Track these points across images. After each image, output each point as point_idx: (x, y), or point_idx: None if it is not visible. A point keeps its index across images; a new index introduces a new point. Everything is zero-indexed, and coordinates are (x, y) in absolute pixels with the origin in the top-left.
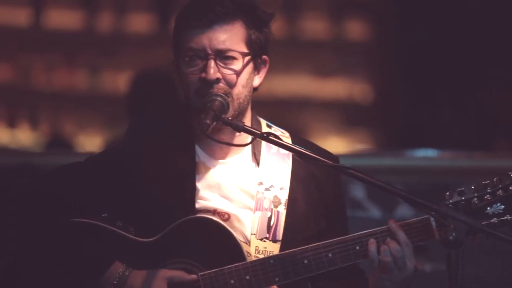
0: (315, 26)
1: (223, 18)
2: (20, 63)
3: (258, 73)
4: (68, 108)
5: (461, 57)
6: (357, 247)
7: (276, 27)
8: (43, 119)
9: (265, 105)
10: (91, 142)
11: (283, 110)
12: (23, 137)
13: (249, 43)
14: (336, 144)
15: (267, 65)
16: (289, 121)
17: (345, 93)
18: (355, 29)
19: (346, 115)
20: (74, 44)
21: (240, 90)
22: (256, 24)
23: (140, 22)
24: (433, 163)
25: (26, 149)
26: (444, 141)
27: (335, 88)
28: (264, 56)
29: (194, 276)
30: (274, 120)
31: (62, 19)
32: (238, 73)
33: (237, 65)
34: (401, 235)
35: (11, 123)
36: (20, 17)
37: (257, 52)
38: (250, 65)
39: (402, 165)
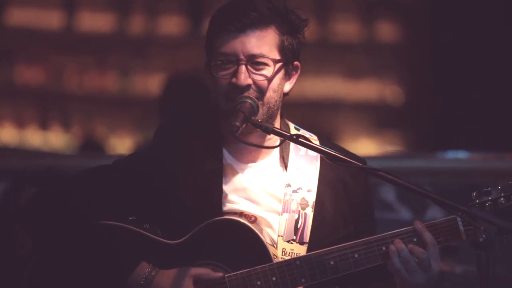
0: (346, 28)
1: (256, 23)
2: (52, 66)
3: (289, 79)
4: (99, 110)
5: (492, 58)
6: (383, 248)
7: (308, 29)
8: (75, 121)
9: (297, 107)
10: (122, 144)
11: (314, 112)
12: (55, 139)
13: (281, 49)
14: (366, 146)
15: (299, 71)
16: (320, 123)
17: (376, 95)
18: (386, 31)
19: (377, 117)
20: (106, 46)
21: (271, 95)
22: (289, 30)
23: (171, 25)
24: (463, 165)
25: (57, 151)
26: (475, 142)
27: (366, 90)
28: (296, 62)
29: (220, 274)
30: (305, 122)
31: (94, 22)
32: (269, 79)
33: (268, 71)
34: (427, 235)
35: (43, 126)
36: (52, 20)
37: (289, 58)
38: (282, 71)
39: (433, 167)
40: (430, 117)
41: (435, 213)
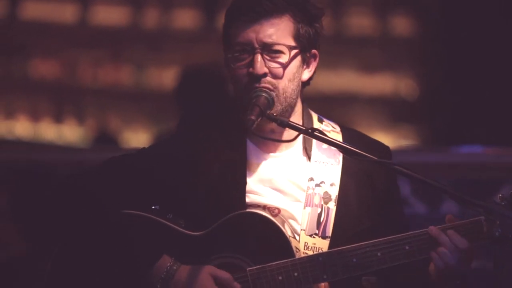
0: (360, 22)
1: (270, 12)
2: (67, 59)
3: (308, 67)
4: (113, 104)
5: (507, 52)
6: (407, 247)
7: (322, 22)
8: (89, 115)
9: (311, 101)
10: (136, 138)
11: (328, 107)
12: (69, 133)
13: (297, 37)
14: (381, 140)
15: (317, 59)
16: (334, 117)
17: (391, 89)
18: (401, 25)
19: (392, 111)
20: (120, 40)
21: (287, 84)
22: (305, 18)
23: (185, 18)
24: (478, 159)
25: (72, 145)
26: (489, 137)
27: (381, 84)
28: (313, 50)
29: (238, 285)
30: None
31: (108, 15)
32: (284, 67)
33: (283, 58)
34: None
35: (58, 119)
36: (66, 13)
37: (305, 46)
38: (298, 59)
39: (447, 161)
40: (444, 111)
41: (450, 207)
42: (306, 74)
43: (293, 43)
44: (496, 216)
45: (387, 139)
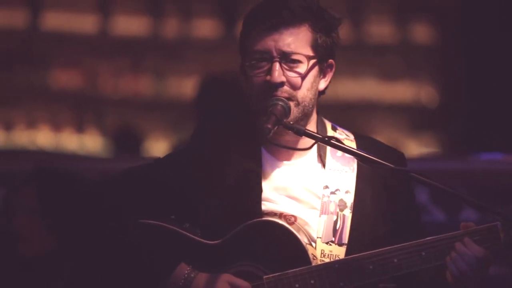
0: (380, 30)
1: (289, 21)
2: (88, 69)
3: (324, 76)
4: (134, 114)
5: None
6: (423, 253)
7: (342, 31)
8: (110, 124)
9: (331, 109)
10: (157, 147)
11: (349, 114)
12: (91, 142)
13: (315, 46)
14: (402, 148)
15: (333, 69)
16: (355, 125)
17: (411, 96)
18: (421, 32)
19: (412, 119)
20: (140, 50)
21: (305, 94)
22: (323, 28)
23: (205, 27)
24: (498, 167)
25: (93, 154)
26: (510, 144)
27: (401, 91)
28: (330, 60)
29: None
30: (339, 124)
31: (128, 25)
32: (303, 77)
33: (302, 68)
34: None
35: (79, 129)
36: (87, 23)
37: (323, 56)
38: (316, 69)
39: (467, 168)
40: (465, 119)
41: (469, 215)
42: (322, 84)
43: (311, 53)
44: None
45: (408, 146)
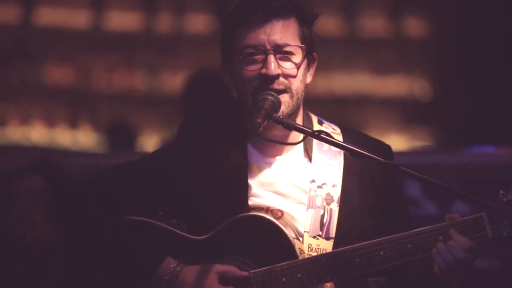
0: (374, 24)
1: (279, 13)
2: (81, 65)
3: (309, 70)
4: (128, 109)
5: None
6: (409, 245)
7: (335, 25)
8: (104, 120)
9: (324, 103)
10: (150, 142)
11: (342, 108)
12: (85, 138)
13: (302, 38)
14: (395, 142)
15: (316, 63)
16: (348, 119)
17: (404, 90)
18: (414, 26)
19: (405, 113)
20: (134, 45)
21: (299, 85)
22: (306, 20)
23: (198, 23)
24: (490, 160)
25: (87, 150)
26: (503, 137)
27: (395, 85)
28: (314, 53)
29: (245, 273)
30: (333, 118)
31: (122, 21)
32: (297, 67)
33: (295, 59)
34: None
35: (73, 125)
36: (80, 19)
37: (310, 48)
38: (305, 61)
39: (459, 162)
40: (458, 112)
41: (461, 208)
42: (308, 77)
43: (302, 45)
44: (504, 216)
45: (401, 140)
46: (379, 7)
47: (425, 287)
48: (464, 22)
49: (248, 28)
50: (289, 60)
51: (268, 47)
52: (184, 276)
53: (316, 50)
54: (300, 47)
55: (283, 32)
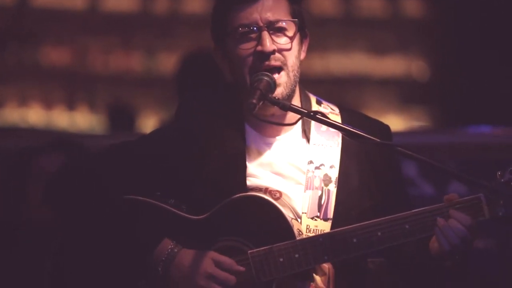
0: (371, 4)
1: None
2: (78, 46)
3: (302, 46)
4: (125, 90)
5: None
6: (407, 226)
7: (332, 5)
8: (101, 101)
9: (322, 83)
10: (148, 123)
11: (339, 89)
12: (82, 120)
13: (293, 14)
14: (393, 122)
15: (308, 39)
16: (346, 99)
17: (402, 70)
18: (411, 6)
19: (403, 93)
20: (131, 26)
21: (294, 61)
22: None
23: (195, 3)
24: (486, 139)
25: (85, 131)
26: (499, 117)
27: (392, 65)
28: (306, 30)
29: (242, 268)
30: (330, 99)
31: (118, 1)
32: (292, 40)
33: (288, 34)
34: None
35: (70, 106)
36: (77, 0)
37: (301, 23)
38: (298, 36)
39: (456, 141)
40: (456, 92)
41: (458, 188)
42: (302, 54)
43: (293, 19)
44: (500, 196)
45: (398, 120)
46: None
47: (421, 267)
48: (460, 2)
49: (239, 8)
50: (283, 35)
51: (261, 24)
52: (181, 258)
53: (313, 30)
54: (293, 21)
55: (274, 9)
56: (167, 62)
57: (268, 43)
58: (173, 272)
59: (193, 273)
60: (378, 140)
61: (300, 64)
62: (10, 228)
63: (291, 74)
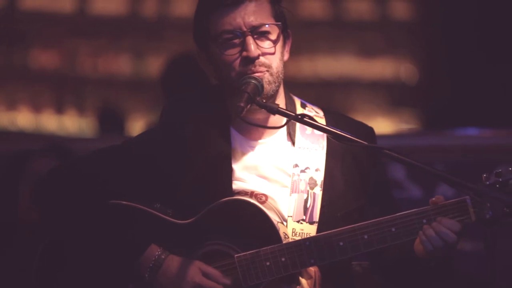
0: (359, 6)
1: None
2: (67, 49)
3: (285, 47)
4: (114, 93)
5: (505, 35)
6: (393, 229)
7: (321, 8)
8: (90, 104)
9: (310, 86)
10: (137, 126)
11: (328, 91)
12: (70, 123)
13: (275, 16)
14: (381, 124)
15: (290, 39)
16: (334, 102)
17: (390, 73)
18: (400, 8)
19: (391, 95)
20: (119, 29)
21: (278, 63)
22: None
23: (184, 6)
24: (474, 142)
25: (73, 135)
26: (487, 119)
27: (381, 68)
28: (288, 30)
29: (228, 281)
30: (319, 101)
31: (107, 4)
32: (275, 44)
33: (271, 38)
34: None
35: (59, 110)
36: (65, 3)
37: (284, 25)
38: (281, 38)
39: (446, 144)
40: (443, 95)
41: (445, 191)
42: (285, 55)
43: (276, 22)
44: (487, 199)
45: (387, 123)
46: None
47: (406, 268)
48: (449, 5)
49: (222, 13)
50: (267, 39)
51: (245, 29)
52: (168, 264)
53: (301, 33)
54: (276, 25)
55: (257, 13)
56: (156, 65)
57: (253, 49)
58: (160, 279)
59: (180, 281)
60: (366, 143)
61: (284, 65)
62: (3, 230)
63: (275, 75)
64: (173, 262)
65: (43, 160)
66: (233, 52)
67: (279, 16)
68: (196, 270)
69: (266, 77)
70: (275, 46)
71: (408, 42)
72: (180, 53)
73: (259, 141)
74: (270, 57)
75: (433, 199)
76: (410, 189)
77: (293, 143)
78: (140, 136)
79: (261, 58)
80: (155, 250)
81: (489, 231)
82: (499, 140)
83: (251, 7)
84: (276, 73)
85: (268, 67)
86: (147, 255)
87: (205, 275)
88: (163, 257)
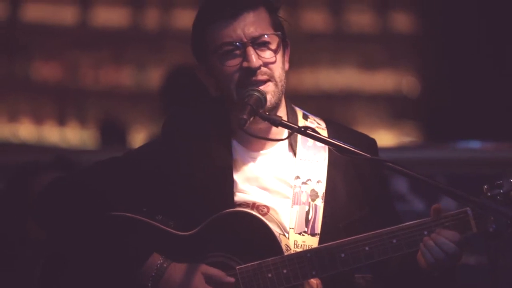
0: (361, 19)
1: (248, 5)
2: (69, 61)
3: (285, 56)
4: (115, 105)
5: (506, 49)
6: (394, 241)
7: (322, 20)
8: (92, 116)
9: (312, 99)
10: (139, 138)
11: (329, 104)
12: (72, 135)
13: (274, 26)
14: (383, 137)
15: (289, 48)
16: (336, 114)
17: (392, 85)
18: (401, 21)
19: (393, 108)
20: (121, 41)
21: (280, 72)
22: (274, 8)
23: (185, 18)
24: (476, 155)
25: (75, 146)
26: (488, 132)
27: (382, 81)
28: (287, 40)
29: (231, 279)
30: (321, 114)
31: (109, 16)
32: (276, 53)
33: (272, 48)
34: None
35: (61, 121)
36: (67, 15)
37: (283, 34)
38: (281, 48)
39: (448, 157)
40: (445, 108)
41: (448, 204)
42: (286, 64)
43: (276, 32)
44: (490, 212)
45: (388, 136)
46: (366, 2)
47: (409, 279)
48: (451, 18)
49: (221, 25)
50: (267, 49)
51: (245, 40)
52: (170, 273)
53: (303, 46)
54: (276, 35)
55: (256, 24)
56: (157, 77)
57: (254, 59)
58: (163, 287)
59: None
60: (369, 156)
61: (285, 75)
62: (10, 244)
63: (278, 84)
64: (176, 270)
65: (49, 174)
66: (233, 63)
67: (277, 26)
68: (199, 276)
69: (270, 87)
70: (275, 56)
71: (410, 55)
72: (179, 64)
73: (261, 152)
74: (272, 66)
75: (434, 206)
76: (413, 201)
77: (295, 154)
78: (141, 147)
79: (263, 68)
80: (157, 259)
81: (493, 245)
82: (501, 153)
83: (250, 18)
84: (280, 82)
85: (271, 76)
86: (149, 264)
87: (208, 278)
88: (165, 265)
